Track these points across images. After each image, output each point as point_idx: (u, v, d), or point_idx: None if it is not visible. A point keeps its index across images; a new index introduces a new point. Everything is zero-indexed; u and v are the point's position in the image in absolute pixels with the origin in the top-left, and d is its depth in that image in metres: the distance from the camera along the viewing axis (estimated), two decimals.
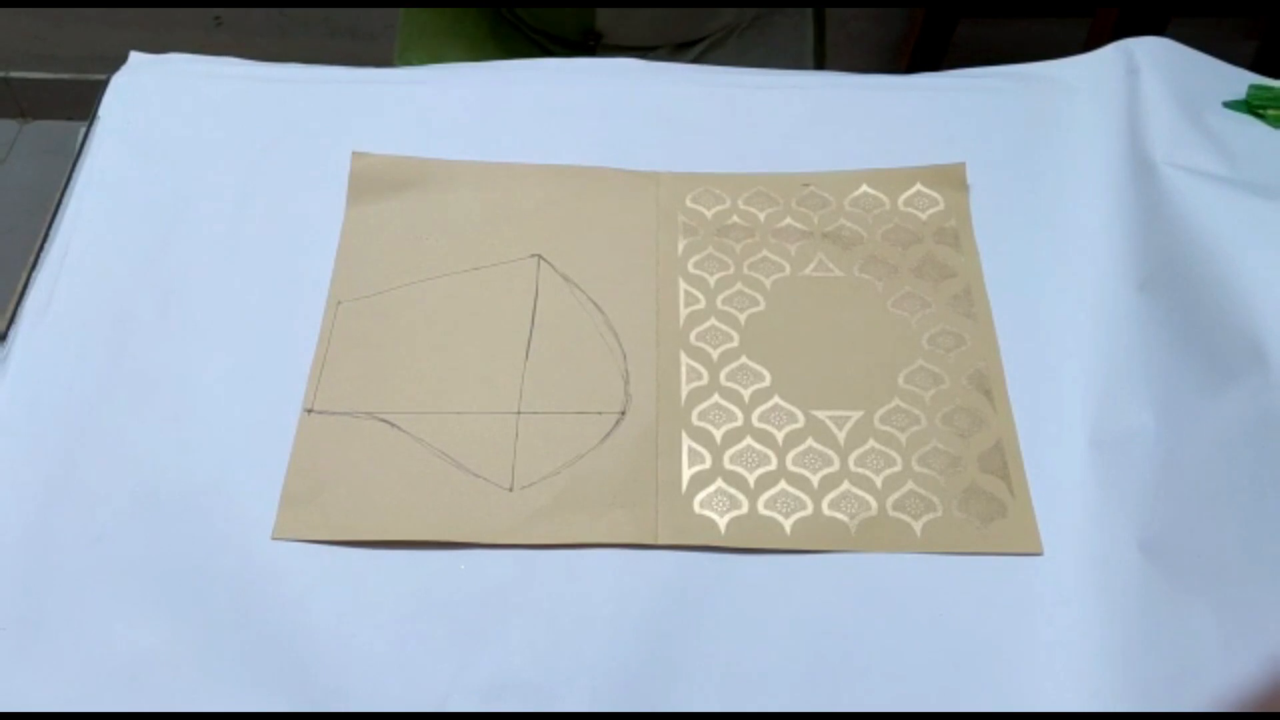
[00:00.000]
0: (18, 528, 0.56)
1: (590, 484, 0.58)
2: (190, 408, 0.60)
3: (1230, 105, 0.71)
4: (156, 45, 0.78)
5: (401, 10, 0.95)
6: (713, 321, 0.65)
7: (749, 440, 0.60)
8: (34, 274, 0.66)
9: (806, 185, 0.71)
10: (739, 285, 0.67)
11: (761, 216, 0.70)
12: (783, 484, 0.59)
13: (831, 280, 0.67)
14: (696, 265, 0.67)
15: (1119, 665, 0.52)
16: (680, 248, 0.68)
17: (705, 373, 0.63)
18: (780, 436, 0.60)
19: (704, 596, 0.55)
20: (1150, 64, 0.74)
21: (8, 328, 0.62)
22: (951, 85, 0.78)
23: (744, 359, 0.63)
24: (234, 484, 0.58)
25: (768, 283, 0.67)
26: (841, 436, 0.61)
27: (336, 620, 0.54)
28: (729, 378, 0.63)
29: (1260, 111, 0.70)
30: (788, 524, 0.58)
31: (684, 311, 0.65)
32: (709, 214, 0.70)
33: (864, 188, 0.71)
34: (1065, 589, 0.55)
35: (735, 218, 0.70)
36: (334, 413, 0.61)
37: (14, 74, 1.79)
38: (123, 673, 0.52)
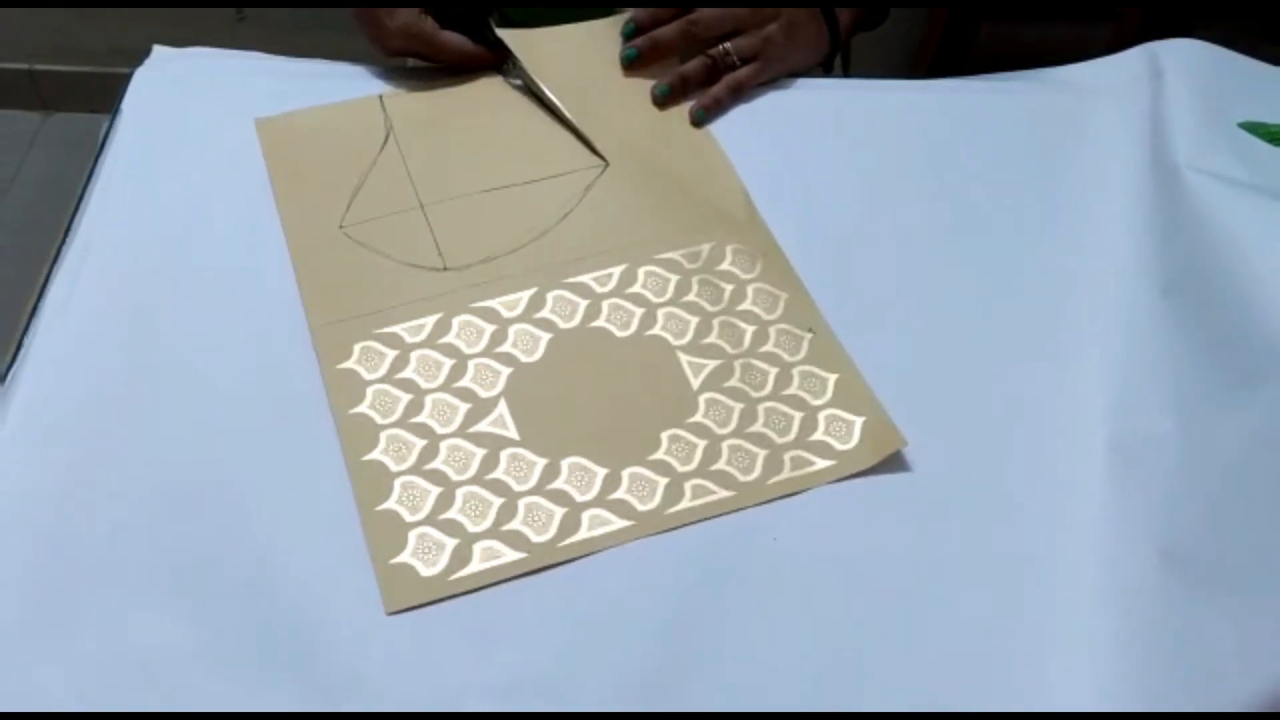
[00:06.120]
0: (35, 522, 0.56)
1: None
2: (210, 403, 0.60)
3: (1245, 127, 0.70)
4: (179, 39, 0.79)
5: None
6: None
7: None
8: (56, 266, 0.66)
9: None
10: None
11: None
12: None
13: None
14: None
15: (1135, 671, 0.52)
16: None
17: None
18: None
19: (720, 593, 0.55)
20: (1175, 66, 0.74)
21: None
22: (973, 89, 0.78)
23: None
24: (251, 479, 0.58)
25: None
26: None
27: (352, 615, 0.54)
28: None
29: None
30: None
31: None
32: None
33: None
34: (1082, 594, 0.55)
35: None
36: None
37: (37, 66, 1.81)
38: (138, 667, 0.52)
